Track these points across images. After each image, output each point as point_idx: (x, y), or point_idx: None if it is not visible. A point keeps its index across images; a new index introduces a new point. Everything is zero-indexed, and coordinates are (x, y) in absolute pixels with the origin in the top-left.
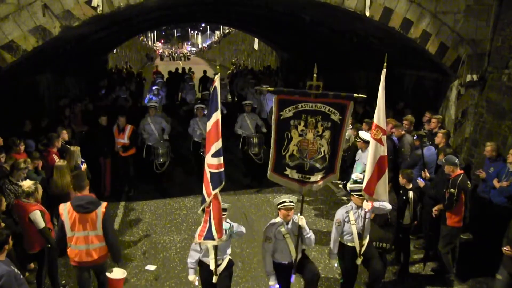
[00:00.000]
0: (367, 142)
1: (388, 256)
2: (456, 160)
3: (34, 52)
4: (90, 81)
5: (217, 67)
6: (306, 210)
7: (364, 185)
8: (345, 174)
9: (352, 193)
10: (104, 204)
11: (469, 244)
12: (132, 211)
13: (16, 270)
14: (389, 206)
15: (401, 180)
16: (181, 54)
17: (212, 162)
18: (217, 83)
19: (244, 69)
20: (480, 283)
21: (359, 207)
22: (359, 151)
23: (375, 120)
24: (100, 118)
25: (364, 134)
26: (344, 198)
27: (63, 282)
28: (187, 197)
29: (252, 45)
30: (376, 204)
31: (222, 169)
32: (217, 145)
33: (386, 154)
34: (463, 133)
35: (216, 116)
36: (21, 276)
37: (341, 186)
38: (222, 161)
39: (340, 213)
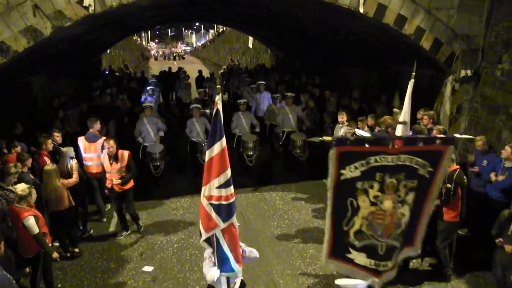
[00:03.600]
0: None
1: None
2: (453, 155)
3: (25, 53)
4: (84, 82)
5: (218, 86)
6: (303, 208)
7: None
8: None
9: None
10: (103, 138)
11: (466, 239)
12: None
13: (8, 275)
14: None
15: None
16: (175, 54)
17: (218, 194)
18: (219, 105)
19: (239, 68)
20: (477, 278)
21: None
22: None
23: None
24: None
25: (361, 132)
26: None
27: (59, 286)
28: (184, 197)
29: (247, 44)
30: None
31: (233, 199)
32: (225, 175)
33: None
34: (458, 129)
35: (221, 145)
36: (14, 281)
37: None
38: (232, 191)
39: None
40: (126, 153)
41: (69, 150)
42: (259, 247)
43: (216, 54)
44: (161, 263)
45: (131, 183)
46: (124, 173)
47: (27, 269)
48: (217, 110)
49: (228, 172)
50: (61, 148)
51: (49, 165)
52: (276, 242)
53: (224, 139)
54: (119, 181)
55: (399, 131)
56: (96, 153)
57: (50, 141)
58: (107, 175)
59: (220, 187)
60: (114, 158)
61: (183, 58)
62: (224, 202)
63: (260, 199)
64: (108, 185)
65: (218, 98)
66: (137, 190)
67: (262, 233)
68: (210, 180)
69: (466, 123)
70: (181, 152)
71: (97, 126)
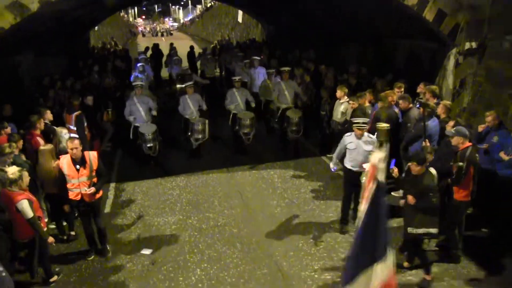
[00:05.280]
0: (365, 124)
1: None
2: (467, 132)
3: (12, 30)
4: (73, 60)
5: (382, 126)
6: (303, 186)
7: None
8: None
9: None
10: (78, 112)
11: (475, 218)
12: (123, 192)
13: None
14: None
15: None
16: (163, 30)
17: None
18: (380, 176)
19: (230, 43)
20: (487, 258)
21: None
22: (354, 137)
23: None
24: (86, 97)
25: (359, 119)
26: (340, 172)
27: (57, 269)
28: (179, 176)
29: (236, 18)
30: None
31: None
32: None
33: None
34: (461, 103)
35: (386, 267)
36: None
37: None
38: None
39: None
40: (94, 154)
41: (63, 130)
42: (259, 227)
43: (205, 30)
44: (160, 246)
45: (100, 192)
46: (94, 178)
47: (23, 253)
48: (378, 186)
49: None
50: (54, 127)
51: (45, 145)
52: (276, 222)
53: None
54: (93, 189)
55: None
56: (71, 125)
57: (42, 120)
58: (70, 185)
59: None
60: (81, 162)
61: (171, 34)
62: None
63: (257, 178)
64: (76, 197)
65: (375, 162)
66: (131, 170)
67: (261, 212)
68: None
69: (470, 97)
70: (173, 130)
71: (78, 101)
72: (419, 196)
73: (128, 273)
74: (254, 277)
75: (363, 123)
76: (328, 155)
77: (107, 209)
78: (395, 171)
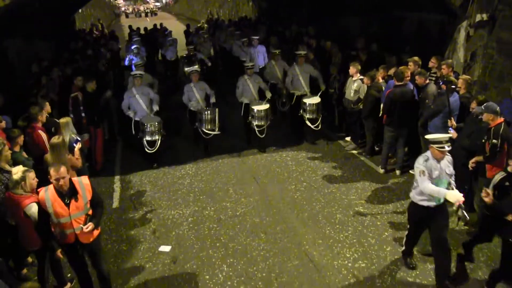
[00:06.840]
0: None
1: None
2: (498, 108)
3: (1, 12)
4: (61, 43)
5: None
6: (318, 168)
7: None
8: (354, 126)
9: None
10: (74, 94)
11: None
12: (129, 184)
13: None
14: None
15: None
16: (147, 10)
17: None
18: None
19: (222, 21)
20: None
21: None
22: (434, 161)
23: None
24: (88, 83)
25: (441, 136)
26: (354, 152)
27: (69, 275)
28: (188, 163)
29: None
30: None
31: None
32: None
33: None
34: (472, 77)
35: None
36: None
37: (348, 139)
38: None
39: None
40: (85, 180)
41: (69, 121)
42: (281, 215)
43: (190, 8)
44: (178, 241)
45: (98, 229)
46: (89, 211)
47: (29, 259)
48: None
49: None
50: (55, 119)
51: (55, 138)
52: (299, 208)
53: None
54: (91, 225)
55: None
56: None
57: (44, 112)
58: (62, 221)
59: None
60: (70, 193)
61: (156, 14)
62: None
63: (270, 161)
64: (70, 240)
65: None
66: (136, 160)
67: (281, 199)
68: None
69: (480, 70)
70: (173, 114)
71: (79, 82)
72: None
73: (148, 274)
74: (286, 270)
75: (447, 142)
76: (339, 134)
77: (115, 203)
78: (490, 194)
